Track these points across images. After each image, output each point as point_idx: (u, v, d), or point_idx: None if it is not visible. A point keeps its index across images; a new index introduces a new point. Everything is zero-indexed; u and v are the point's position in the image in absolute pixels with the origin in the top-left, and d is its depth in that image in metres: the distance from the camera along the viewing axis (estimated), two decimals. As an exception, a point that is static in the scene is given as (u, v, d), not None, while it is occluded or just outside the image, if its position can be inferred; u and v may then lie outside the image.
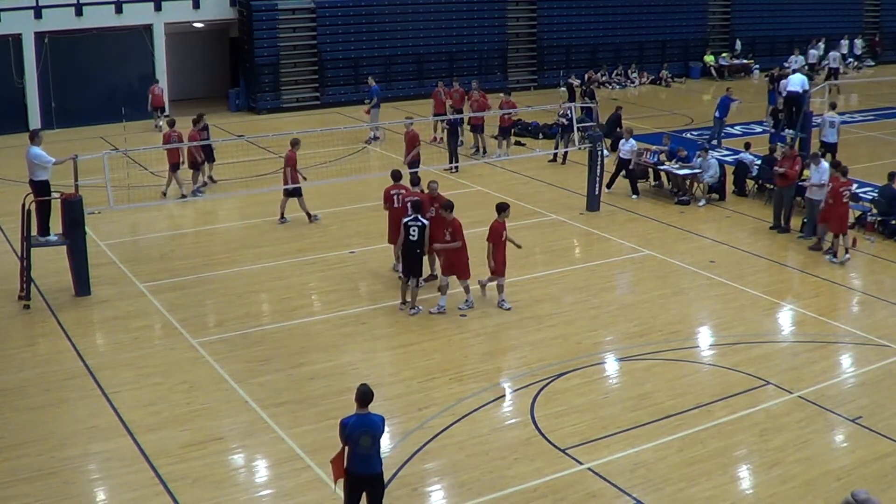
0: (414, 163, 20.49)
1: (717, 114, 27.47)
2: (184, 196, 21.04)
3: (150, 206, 20.77)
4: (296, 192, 19.38)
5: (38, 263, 15.96)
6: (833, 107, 24.87)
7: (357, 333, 14.39)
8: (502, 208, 15.11)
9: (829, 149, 23.35)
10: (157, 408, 12.03)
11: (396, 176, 16.79)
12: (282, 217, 19.52)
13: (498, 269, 15.10)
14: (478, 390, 12.56)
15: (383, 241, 17.65)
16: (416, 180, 16.88)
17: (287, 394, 12.40)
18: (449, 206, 15.01)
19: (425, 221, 14.89)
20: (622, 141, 22.34)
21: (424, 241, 14.90)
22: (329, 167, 22.90)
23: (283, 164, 19.58)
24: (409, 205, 15.40)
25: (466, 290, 15.16)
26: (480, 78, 32.82)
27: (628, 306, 15.58)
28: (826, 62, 38.97)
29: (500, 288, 15.23)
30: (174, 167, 21.07)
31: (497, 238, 15.02)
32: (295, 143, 19.44)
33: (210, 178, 22.36)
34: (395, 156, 24.56)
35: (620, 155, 22.18)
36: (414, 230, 14.77)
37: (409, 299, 15.14)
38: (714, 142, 26.73)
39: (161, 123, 27.72)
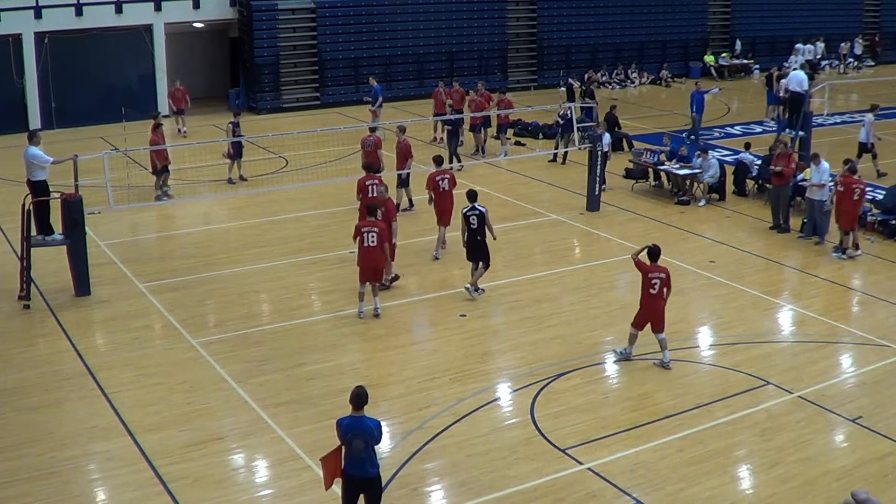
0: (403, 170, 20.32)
1: (693, 111, 27.59)
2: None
3: (150, 206, 20.77)
4: (407, 180, 20.08)
5: (38, 263, 15.96)
6: (873, 108, 24.76)
7: (357, 333, 14.39)
8: (654, 253, 13.19)
9: (860, 149, 23.53)
10: (157, 408, 12.03)
11: (369, 167, 17.26)
12: (411, 205, 20.25)
13: (638, 321, 13.26)
14: (478, 390, 12.57)
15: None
16: (440, 160, 17.84)
17: (287, 394, 12.40)
18: (373, 209, 14.84)
19: (482, 209, 15.30)
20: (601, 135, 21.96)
21: (484, 228, 15.34)
22: (329, 167, 22.91)
23: (396, 153, 20.09)
24: (466, 195, 15.80)
25: (374, 292, 14.89)
26: (480, 78, 32.82)
27: (628, 306, 15.51)
28: (806, 58, 39.02)
29: (661, 344, 13.31)
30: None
31: (645, 285, 13.13)
32: (404, 130, 20.12)
33: (241, 176, 22.61)
34: (394, 156, 24.57)
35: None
36: (473, 218, 15.27)
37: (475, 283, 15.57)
38: (692, 137, 26.97)
39: (185, 129, 27.53)
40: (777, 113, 29.55)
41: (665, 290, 13.01)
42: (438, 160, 17.65)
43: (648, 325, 13.21)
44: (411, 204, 20.29)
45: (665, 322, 13.13)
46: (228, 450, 11.16)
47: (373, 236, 14.35)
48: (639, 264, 13.07)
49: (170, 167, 21.33)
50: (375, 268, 14.57)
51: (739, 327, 14.72)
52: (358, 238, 14.46)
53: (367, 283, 14.67)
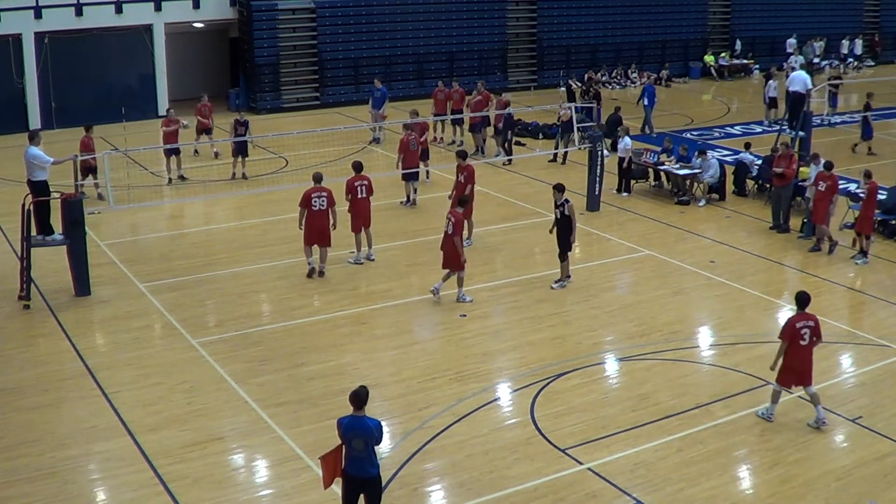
0: (411, 167, 20.53)
1: (644, 103, 28.62)
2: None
3: (150, 206, 20.77)
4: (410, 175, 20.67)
5: (38, 263, 15.96)
6: None
7: (357, 333, 14.39)
8: (803, 300, 11.65)
9: None
10: (157, 408, 12.03)
11: (358, 167, 17.38)
12: (407, 200, 20.66)
13: (784, 377, 11.66)
14: (478, 390, 12.57)
15: (383, 240, 17.68)
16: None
17: (287, 394, 12.40)
18: (464, 200, 15.95)
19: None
20: (619, 139, 22.36)
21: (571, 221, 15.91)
22: (329, 167, 22.88)
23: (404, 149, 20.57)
24: (553, 188, 16.21)
25: (459, 282, 15.47)
26: (480, 78, 32.80)
27: (628, 306, 15.58)
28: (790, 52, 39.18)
29: (814, 399, 11.79)
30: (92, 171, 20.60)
31: (793, 336, 11.56)
32: (409, 127, 20.67)
33: (244, 174, 22.80)
34: (395, 155, 24.55)
35: (619, 154, 22.20)
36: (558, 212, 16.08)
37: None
38: (646, 129, 27.74)
39: (218, 150, 25.13)
40: (768, 115, 29.88)
41: (815, 339, 11.59)
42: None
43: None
44: (410, 200, 20.41)
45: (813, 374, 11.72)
46: (228, 450, 11.17)
47: (322, 200, 16.05)
48: (786, 326, 11.56)
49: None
50: (321, 231, 16.15)
51: (739, 327, 14.73)
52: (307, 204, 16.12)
53: (315, 246, 16.27)
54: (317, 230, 16.23)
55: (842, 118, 31.18)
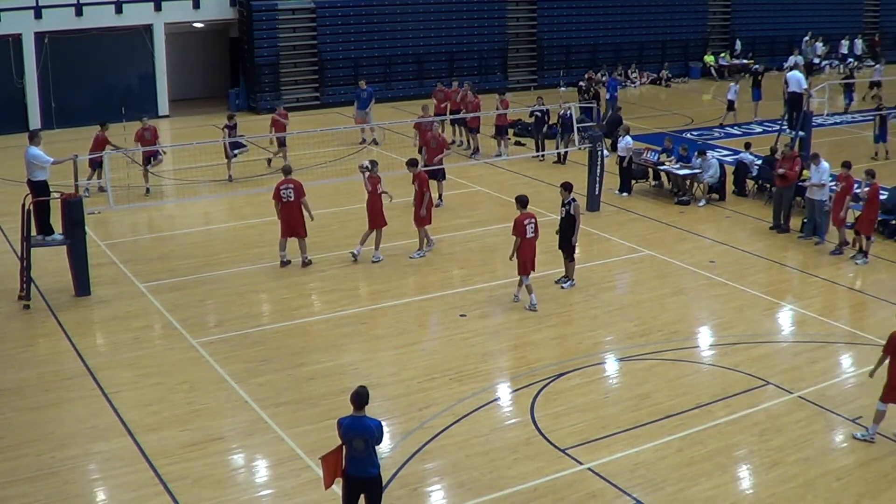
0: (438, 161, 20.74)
1: (608, 98, 29.71)
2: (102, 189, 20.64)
3: (150, 206, 20.77)
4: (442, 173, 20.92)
5: (38, 263, 15.96)
6: None
7: (357, 333, 14.39)
8: None
9: None
10: (157, 408, 12.03)
11: (371, 166, 17.51)
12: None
13: (890, 394, 11.23)
14: (478, 390, 12.57)
15: (383, 240, 17.66)
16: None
17: (287, 394, 12.40)
18: (522, 200, 15.57)
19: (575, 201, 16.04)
20: (619, 138, 22.41)
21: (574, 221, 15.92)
22: (329, 167, 22.91)
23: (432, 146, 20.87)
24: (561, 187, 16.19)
25: (519, 284, 15.40)
26: (480, 78, 32.84)
27: (628, 306, 15.58)
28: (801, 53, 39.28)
29: (877, 416, 11.42)
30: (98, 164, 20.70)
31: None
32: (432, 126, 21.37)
33: (230, 176, 22.70)
34: (395, 155, 24.56)
35: (619, 153, 22.25)
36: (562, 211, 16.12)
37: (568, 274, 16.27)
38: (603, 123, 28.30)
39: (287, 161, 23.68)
40: (725, 117, 30.39)
41: None
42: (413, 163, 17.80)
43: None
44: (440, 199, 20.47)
45: None
46: (228, 450, 11.17)
47: (290, 192, 16.40)
48: (890, 341, 11.09)
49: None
50: (291, 223, 16.51)
51: (739, 327, 14.73)
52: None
53: (288, 237, 16.72)
54: (287, 221, 16.61)
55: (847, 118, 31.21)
